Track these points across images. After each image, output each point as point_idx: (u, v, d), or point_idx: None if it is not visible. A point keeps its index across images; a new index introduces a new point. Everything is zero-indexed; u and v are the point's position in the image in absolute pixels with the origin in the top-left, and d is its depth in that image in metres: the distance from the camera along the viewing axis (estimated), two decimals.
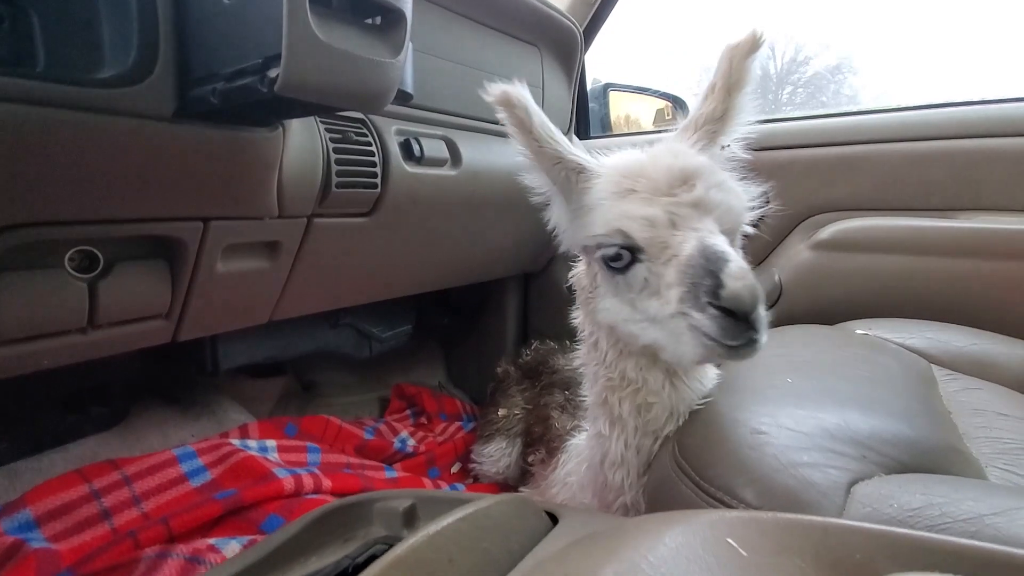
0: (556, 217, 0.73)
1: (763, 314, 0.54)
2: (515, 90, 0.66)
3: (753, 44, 0.66)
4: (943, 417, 0.69)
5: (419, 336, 1.62)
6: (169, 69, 0.53)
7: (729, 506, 0.49)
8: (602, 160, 0.68)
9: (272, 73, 0.45)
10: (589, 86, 1.69)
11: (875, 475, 0.50)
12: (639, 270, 0.61)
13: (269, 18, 0.44)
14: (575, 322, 0.79)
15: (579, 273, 0.75)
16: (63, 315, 0.66)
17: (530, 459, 1.16)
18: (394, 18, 0.51)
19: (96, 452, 0.92)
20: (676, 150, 0.65)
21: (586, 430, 0.90)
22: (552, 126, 0.68)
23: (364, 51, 0.48)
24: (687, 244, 0.56)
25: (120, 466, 0.83)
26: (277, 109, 0.60)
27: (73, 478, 0.80)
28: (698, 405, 0.69)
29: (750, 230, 0.68)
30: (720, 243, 0.56)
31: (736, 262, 0.53)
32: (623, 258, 0.61)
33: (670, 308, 0.57)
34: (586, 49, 1.51)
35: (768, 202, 0.70)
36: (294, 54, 0.43)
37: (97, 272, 0.68)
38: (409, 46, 0.64)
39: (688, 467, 0.56)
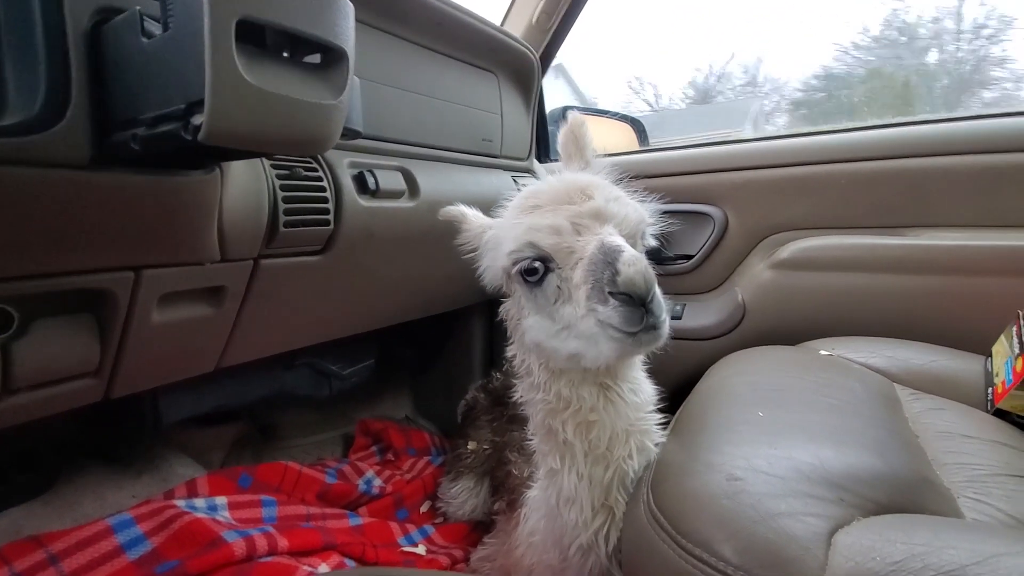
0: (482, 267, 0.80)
1: (660, 299, 0.59)
2: (454, 208, 0.85)
3: (582, 122, 0.81)
4: (912, 444, 0.68)
5: (383, 368, 1.56)
6: (83, 113, 0.48)
7: (708, 564, 0.46)
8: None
9: (196, 120, 0.41)
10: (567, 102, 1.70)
11: (854, 519, 0.49)
12: (552, 279, 0.65)
13: (191, 59, 0.40)
14: (510, 355, 0.81)
15: (507, 304, 0.79)
16: None
17: (495, 506, 1.12)
18: (334, 57, 0.48)
19: (21, 525, 0.83)
20: (574, 174, 0.74)
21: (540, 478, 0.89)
22: (479, 214, 0.84)
23: (301, 93, 0.45)
24: (590, 246, 0.61)
25: (45, 543, 0.75)
26: (209, 154, 0.55)
27: None
28: (644, 424, 0.72)
29: (652, 242, 0.74)
30: (618, 240, 0.60)
31: (630, 252, 0.58)
32: (538, 271, 0.65)
33: (580, 309, 0.61)
34: (543, 74, 1.51)
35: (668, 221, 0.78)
36: (219, 100, 0.39)
37: (11, 332, 0.61)
38: (356, 83, 0.61)
39: (663, 519, 0.53)
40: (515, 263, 0.66)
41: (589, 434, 0.70)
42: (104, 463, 0.99)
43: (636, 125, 1.95)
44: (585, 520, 0.70)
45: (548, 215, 0.64)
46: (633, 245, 0.65)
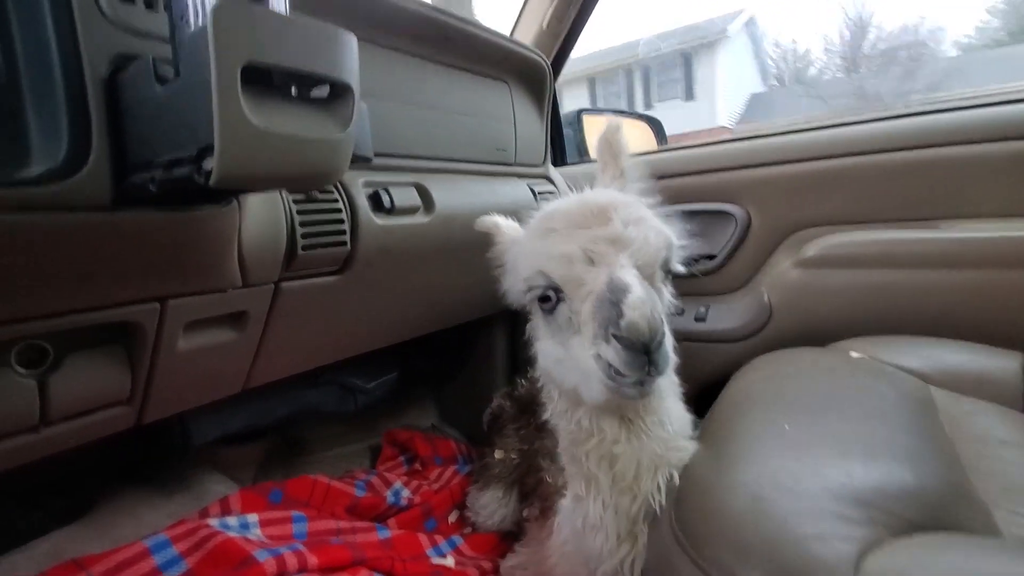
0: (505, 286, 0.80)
1: (667, 350, 0.56)
2: (488, 218, 0.87)
3: (617, 127, 0.79)
4: (947, 452, 0.66)
5: (407, 379, 1.58)
6: (104, 158, 0.50)
7: None
8: None
9: (207, 165, 0.42)
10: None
11: (884, 540, 0.47)
12: (563, 309, 0.63)
13: (201, 106, 0.41)
14: (536, 375, 0.80)
15: (531, 323, 0.77)
16: (11, 416, 0.62)
17: (525, 512, 1.11)
18: (340, 90, 0.48)
19: (63, 548, 0.86)
20: (594, 191, 0.73)
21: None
22: (513, 225, 0.83)
23: (308, 131, 0.45)
24: (600, 280, 0.58)
25: (86, 566, 0.78)
26: (223, 192, 0.57)
27: None
28: (674, 457, 0.68)
29: (680, 268, 0.70)
30: (627, 275, 0.57)
31: (636, 293, 0.54)
32: (551, 299, 0.63)
33: (586, 344, 0.59)
34: (555, 78, 1.51)
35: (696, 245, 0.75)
36: (228, 145, 0.40)
37: (47, 366, 0.63)
38: (364, 109, 0.62)
39: (687, 541, 0.52)
40: (529, 289, 0.66)
41: (613, 466, 0.68)
42: (140, 484, 1.03)
43: (652, 123, 1.92)
44: (611, 548, 0.69)
45: (562, 241, 0.62)
46: (652, 275, 0.63)
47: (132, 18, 0.51)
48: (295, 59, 0.43)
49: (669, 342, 0.58)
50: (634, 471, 0.67)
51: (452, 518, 1.33)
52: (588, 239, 0.61)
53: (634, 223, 0.62)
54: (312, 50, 0.45)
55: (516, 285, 0.71)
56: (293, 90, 0.49)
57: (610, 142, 0.78)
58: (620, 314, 0.54)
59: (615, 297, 0.55)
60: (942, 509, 0.53)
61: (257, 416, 1.06)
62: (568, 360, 0.63)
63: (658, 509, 0.67)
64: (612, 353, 0.55)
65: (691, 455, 0.70)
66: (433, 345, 1.65)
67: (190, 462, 1.10)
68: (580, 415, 0.69)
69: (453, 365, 1.72)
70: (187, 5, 0.44)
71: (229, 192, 0.59)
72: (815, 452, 0.59)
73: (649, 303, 0.54)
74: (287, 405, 1.13)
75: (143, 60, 0.47)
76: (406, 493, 1.33)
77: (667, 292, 0.68)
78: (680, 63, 11.87)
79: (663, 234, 0.64)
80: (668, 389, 0.73)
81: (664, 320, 0.56)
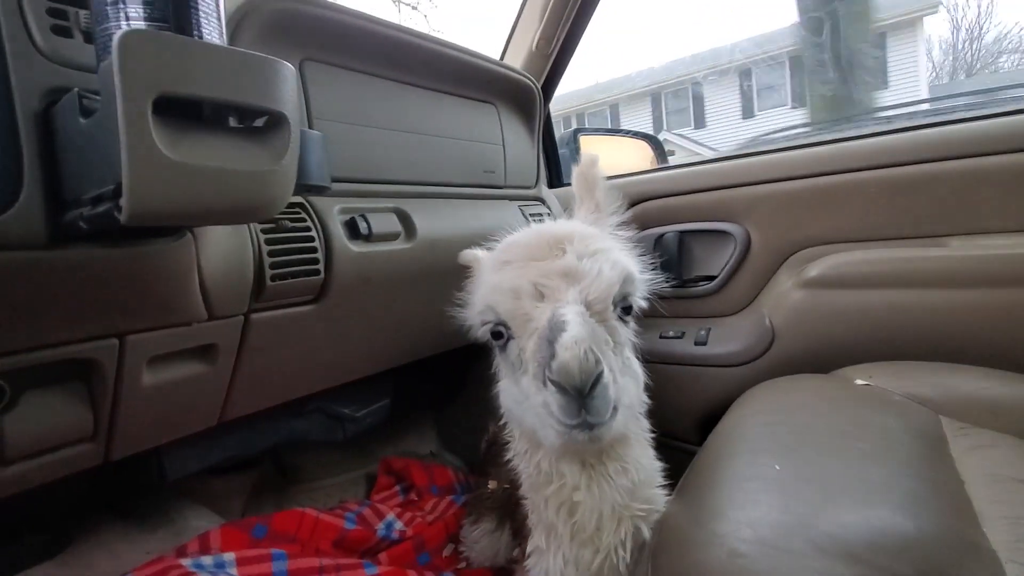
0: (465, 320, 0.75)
1: (605, 395, 0.51)
2: (470, 252, 0.86)
3: (593, 160, 0.77)
4: (956, 494, 0.60)
5: (404, 404, 1.54)
6: (36, 196, 0.48)
7: None
8: None
9: (123, 200, 0.40)
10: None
11: None
12: (513, 347, 0.59)
13: (116, 139, 0.39)
14: (500, 412, 0.74)
15: (496, 359, 0.73)
16: None
17: (514, 552, 1.06)
18: (273, 121, 0.46)
19: None
20: (556, 222, 0.69)
21: None
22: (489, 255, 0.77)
23: (236, 163, 0.43)
24: (544, 316, 0.54)
25: None
26: (157, 228, 0.55)
27: None
28: (639, 508, 0.63)
29: (642, 303, 0.65)
30: (568, 312, 0.52)
31: (571, 332, 0.49)
32: (502, 335, 0.60)
33: (532, 385, 0.55)
34: (547, 100, 1.49)
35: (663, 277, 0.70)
36: (137, 180, 0.38)
37: (2, 405, 0.62)
38: (317, 137, 0.60)
39: None
40: (481, 324, 0.63)
41: (573, 516, 0.63)
42: (120, 519, 1.01)
43: (653, 142, 1.89)
44: None
45: (513, 274, 0.59)
46: (603, 310, 0.58)
47: (70, 52, 0.50)
48: (219, 89, 0.41)
49: (618, 385, 0.53)
50: (595, 522, 0.63)
51: (446, 552, 1.27)
52: (539, 272, 0.57)
53: (589, 255, 0.58)
54: (240, 80, 0.43)
55: (473, 319, 0.68)
56: (232, 121, 0.47)
57: (585, 176, 0.76)
58: (552, 355, 0.49)
59: (551, 336, 0.51)
60: (945, 563, 0.48)
61: (237, 448, 1.04)
62: (523, 401, 0.59)
63: (621, 565, 0.61)
64: (549, 396, 0.51)
65: (662, 504, 0.64)
66: (430, 368, 1.62)
67: (172, 495, 1.08)
68: (540, 458, 0.65)
69: (452, 388, 1.68)
70: (110, 36, 0.42)
71: (163, 231, 0.58)
72: (803, 498, 0.54)
73: (585, 342, 0.49)
74: (270, 436, 1.10)
75: (70, 93, 0.46)
76: (398, 525, 1.28)
77: (624, 330, 0.62)
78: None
79: (620, 266, 0.60)
80: (635, 434, 0.68)
81: (603, 360, 0.51)
